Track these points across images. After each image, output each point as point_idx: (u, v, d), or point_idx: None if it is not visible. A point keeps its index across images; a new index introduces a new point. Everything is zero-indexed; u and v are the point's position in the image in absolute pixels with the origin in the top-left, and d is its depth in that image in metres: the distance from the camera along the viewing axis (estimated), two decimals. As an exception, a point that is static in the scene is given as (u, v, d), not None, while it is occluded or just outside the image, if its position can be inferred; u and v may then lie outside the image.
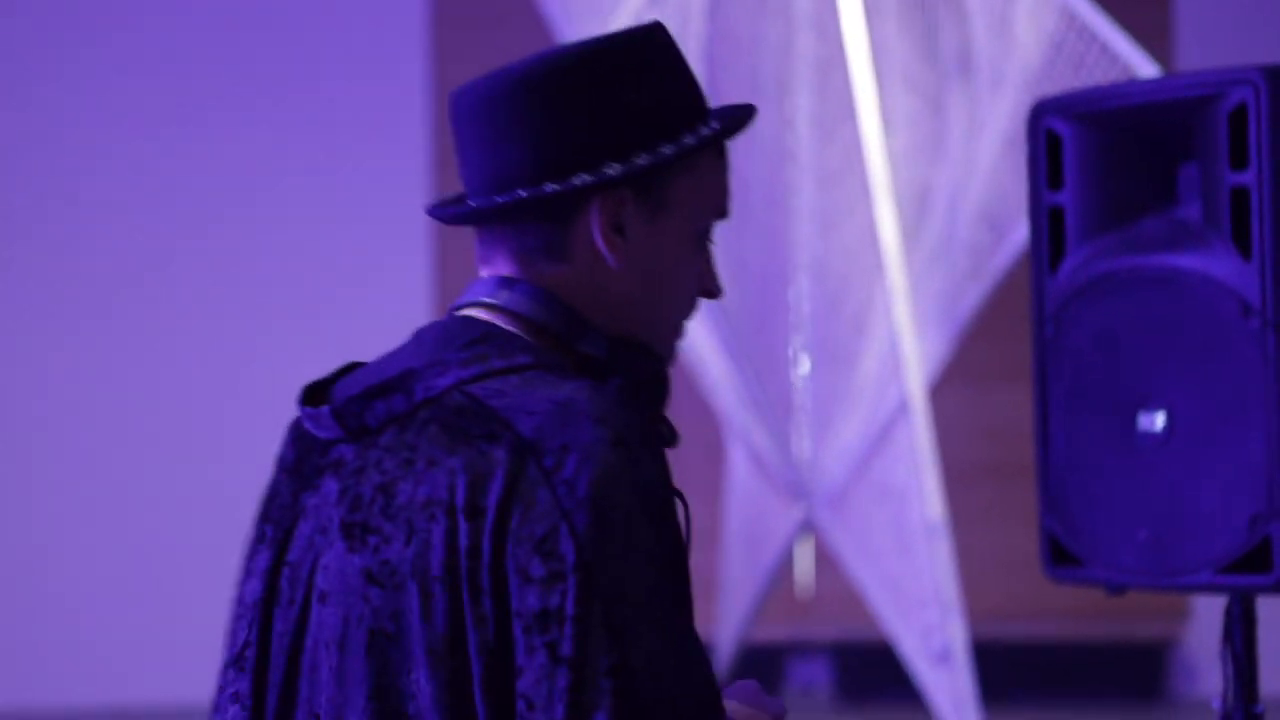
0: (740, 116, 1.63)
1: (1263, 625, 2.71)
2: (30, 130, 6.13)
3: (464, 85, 1.59)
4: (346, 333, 5.47)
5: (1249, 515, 2.53)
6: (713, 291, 1.64)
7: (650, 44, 1.59)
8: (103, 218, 6.15)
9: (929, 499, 4.56)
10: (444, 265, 6.07)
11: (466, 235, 1.64)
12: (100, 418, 6.23)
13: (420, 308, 5.92)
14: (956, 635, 4.59)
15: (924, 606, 4.60)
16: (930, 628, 4.58)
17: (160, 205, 6.16)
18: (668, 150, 1.56)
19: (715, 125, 1.60)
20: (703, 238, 1.62)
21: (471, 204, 1.57)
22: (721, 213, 1.64)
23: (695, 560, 1.79)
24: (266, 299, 6.18)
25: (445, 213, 1.60)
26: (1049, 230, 2.75)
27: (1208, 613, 5.42)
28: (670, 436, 1.52)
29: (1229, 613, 2.68)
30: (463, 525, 1.37)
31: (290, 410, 1.55)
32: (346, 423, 1.47)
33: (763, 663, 6.07)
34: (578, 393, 1.42)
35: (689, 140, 1.57)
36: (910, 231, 4.61)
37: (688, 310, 1.64)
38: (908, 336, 4.54)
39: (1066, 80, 4.37)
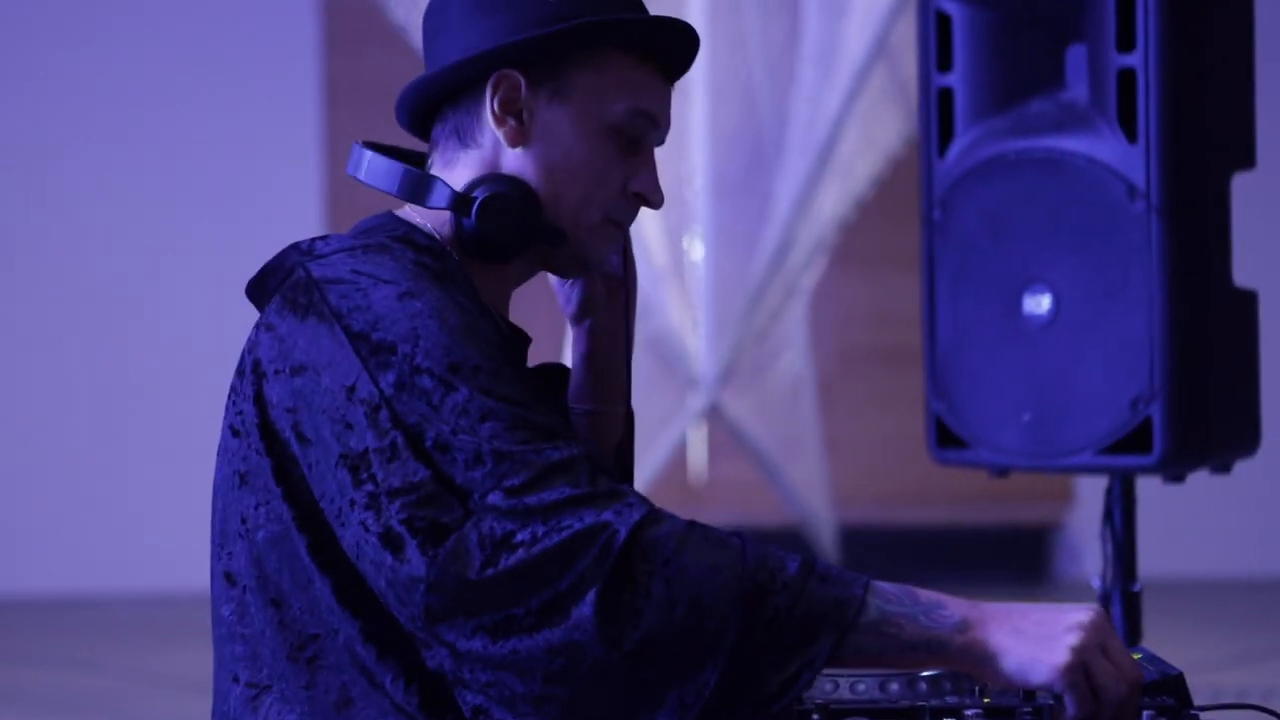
0: (655, 23, 1.63)
1: (1142, 507, 2.75)
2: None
3: None
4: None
5: (1131, 396, 2.56)
6: (649, 198, 1.65)
7: None
8: None
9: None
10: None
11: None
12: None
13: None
14: None
15: None
16: None
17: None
18: (552, 29, 1.60)
19: (623, 17, 1.62)
20: (618, 133, 1.64)
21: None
22: (646, 116, 1.64)
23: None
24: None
25: (400, 97, 1.67)
26: (938, 112, 2.75)
27: (1092, 496, 5.49)
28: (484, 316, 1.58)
29: (1109, 493, 2.72)
30: (291, 381, 1.52)
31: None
32: (257, 306, 1.62)
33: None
34: (380, 266, 1.55)
35: (579, 23, 1.60)
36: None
37: (611, 208, 1.65)
38: None
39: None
